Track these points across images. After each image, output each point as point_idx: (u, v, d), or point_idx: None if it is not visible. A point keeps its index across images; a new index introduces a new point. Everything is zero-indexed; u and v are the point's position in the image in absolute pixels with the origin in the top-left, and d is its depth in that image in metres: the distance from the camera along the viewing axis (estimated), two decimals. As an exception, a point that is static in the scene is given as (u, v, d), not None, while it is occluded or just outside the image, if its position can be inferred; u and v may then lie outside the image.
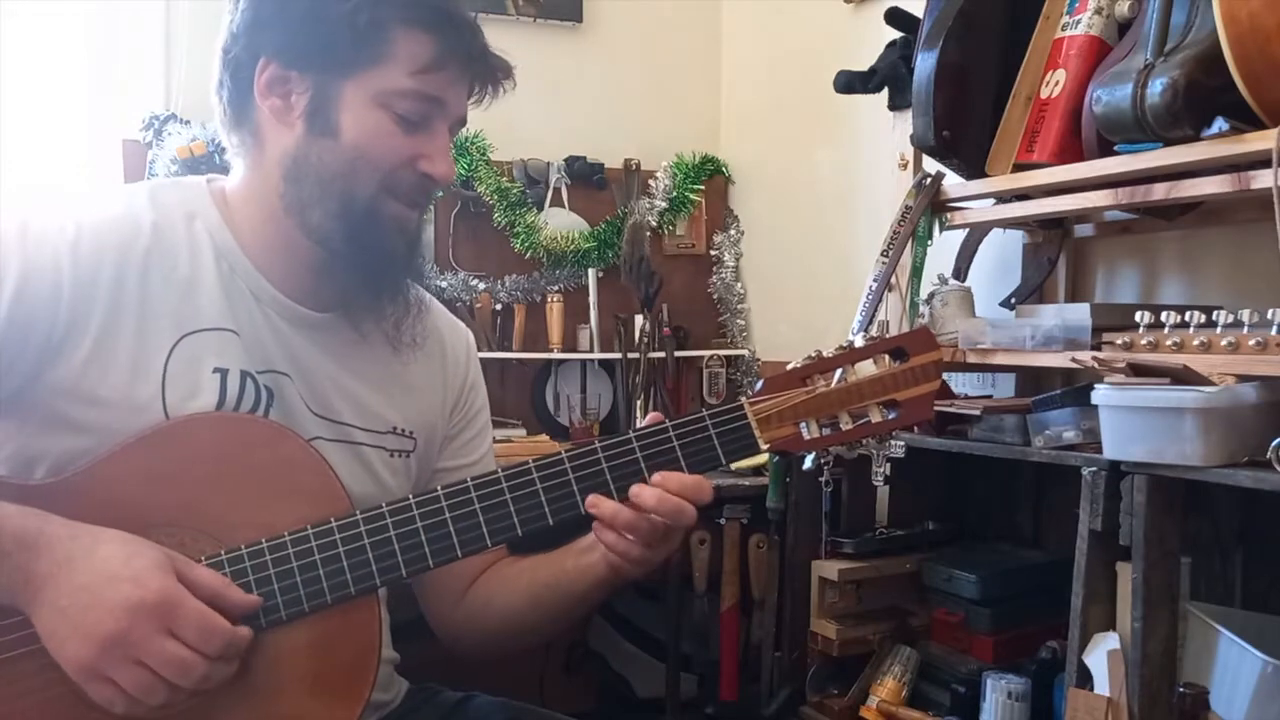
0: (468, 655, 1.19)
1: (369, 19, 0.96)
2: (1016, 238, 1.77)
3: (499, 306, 2.38)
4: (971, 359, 1.52)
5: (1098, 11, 1.39)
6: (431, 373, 1.17)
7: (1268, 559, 1.31)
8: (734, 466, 1.09)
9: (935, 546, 1.73)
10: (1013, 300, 1.73)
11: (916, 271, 1.61)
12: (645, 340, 2.39)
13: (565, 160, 2.46)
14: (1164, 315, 1.25)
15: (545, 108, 2.41)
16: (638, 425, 0.99)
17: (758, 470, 1.89)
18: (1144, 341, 1.27)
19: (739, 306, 2.58)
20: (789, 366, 1.00)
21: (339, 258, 1.01)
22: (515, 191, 2.39)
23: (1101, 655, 1.22)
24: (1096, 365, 1.27)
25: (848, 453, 1.01)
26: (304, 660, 0.92)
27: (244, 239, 1.03)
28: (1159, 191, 1.27)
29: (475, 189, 2.35)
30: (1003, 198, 1.54)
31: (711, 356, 2.51)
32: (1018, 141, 1.46)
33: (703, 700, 2.03)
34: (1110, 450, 1.22)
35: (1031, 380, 1.72)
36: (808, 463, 1.55)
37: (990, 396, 1.74)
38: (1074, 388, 1.38)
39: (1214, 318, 1.20)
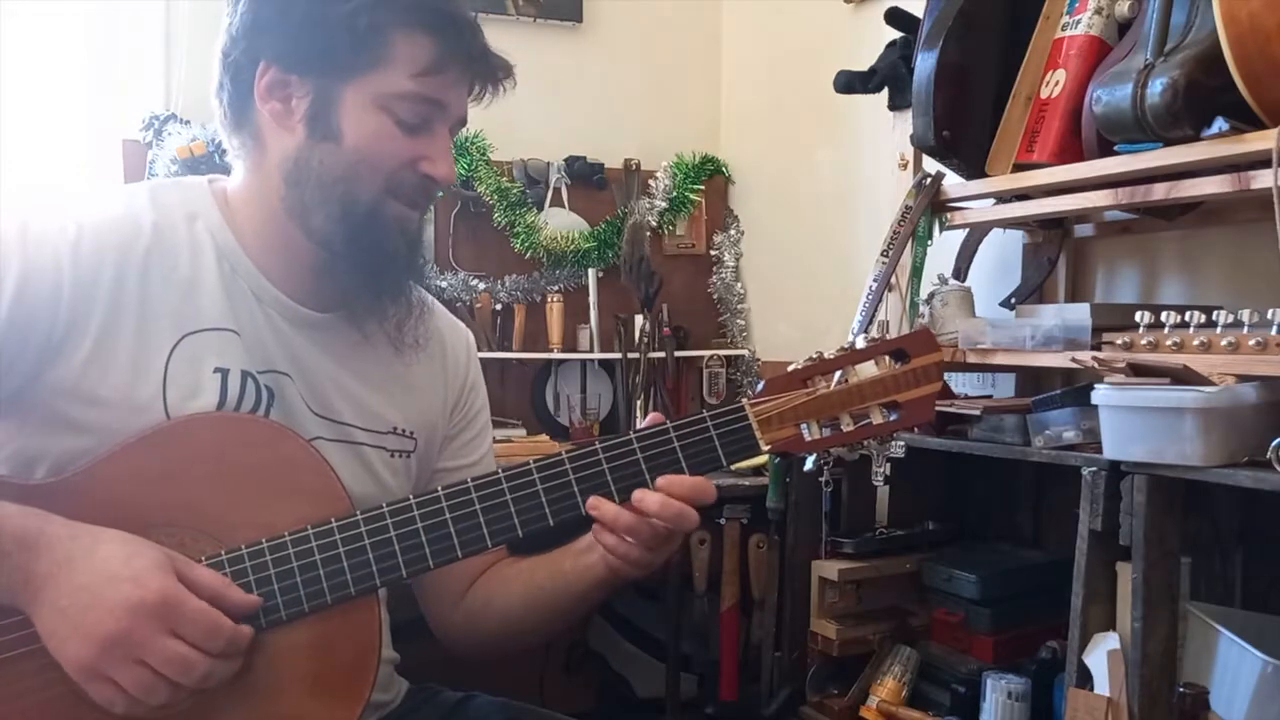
0: (467, 656, 1.19)
1: (368, 22, 0.96)
2: (1016, 238, 1.77)
3: (499, 306, 2.38)
4: (971, 359, 1.52)
5: (1098, 11, 1.39)
6: (432, 373, 1.17)
7: (1268, 559, 1.31)
8: (734, 467, 1.09)
9: (935, 546, 1.73)
10: (1013, 300, 1.73)
11: (916, 271, 1.61)
12: (645, 340, 2.39)
13: (565, 160, 2.46)
14: (1164, 315, 1.25)
15: (545, 108, 2.41)
16: (638, 426, 0.99)
17: (758, 470, 1.89)
18: (1144, 341, 1.27)
19: (739, 306, 2.58)
20: (790, 368, 1.00)
21: (340, 259, 1.01)
22: (515, 191, 2.39)
23: (1101, 655, 1.22)
24: (1096, 365, 1.27)
25: (849, 454, 1.01)
26: (304, 660, 0.92)
27: (245, 239, 1.03)
28: (1159, 191, 1.27)
29: (475, 189, 2.35)
30: (1003, 198, 1.54)
31: (711, 356, 2.51)
32: (1018, 141, 1.46)
33: (703, 700, 2.03)
34: (1110, 450, 1.22)
35: (1031, 380, 1.72)
36: (809, 464, 1.55)
37: (990, 396, 1.74)
38: (1074, 388, 1.38)
39: (1214, 318, 1.20)
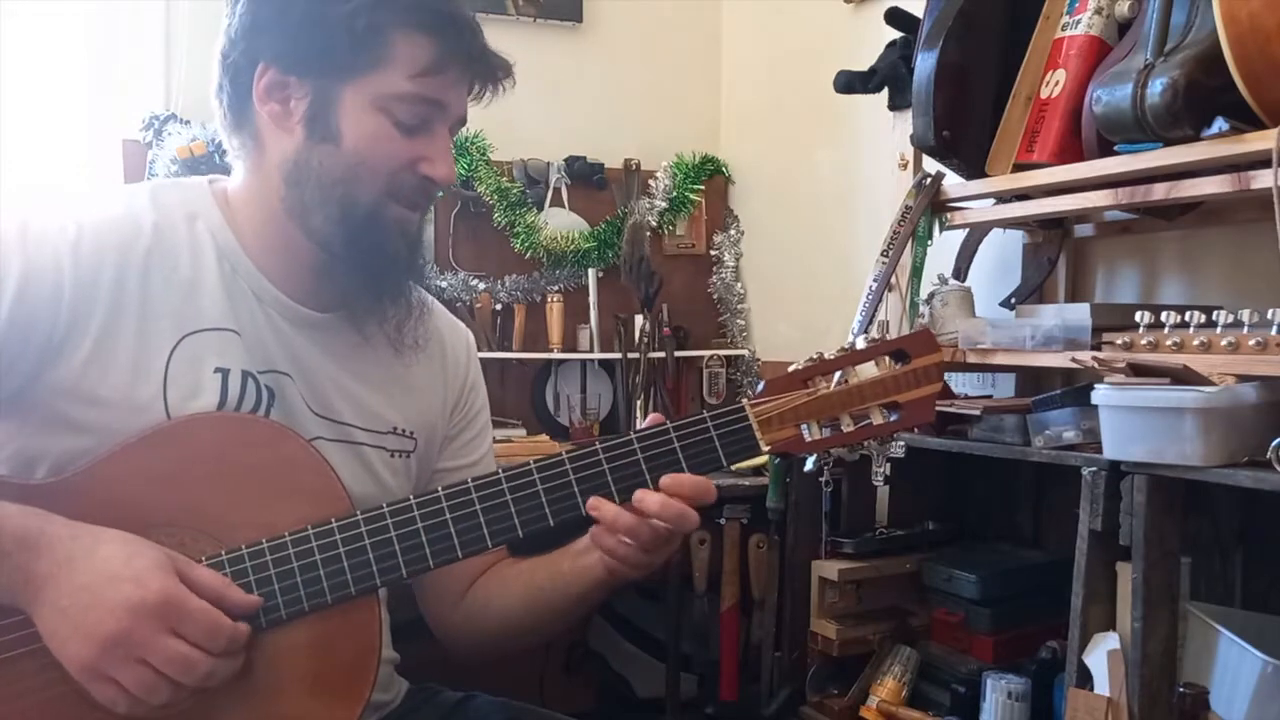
0: (467, 656, 1.19)
1: (367, 23, 0.96)
2: (1016, 238, 1.77)
3: (499, 306, 2.38)
4: (971, 359, 1.52)
5: (1098, 11, 1.39)
6: (432, 373, 1.17)
7: (1268, 559, 1.31)
8: (734, 467, 1.09)
9: (935, 546, 1.73)
10: (1013, 300, 1.73)
11: (916, 271, 1.61)
12: (645, 340, 2.39)
13: (565, 160, 2.46)
14: (1164, 315, 1.25)
15: (545, 108, 2.41)
16: (638, 426, 0.99)
17: (758, 470, 1.89)
18: (1144, 341, 1.27)
19: (739, 306, 2.58)
20: (790, 368, 1.00)
21: (340, 260, 1.01)
22: (515, 191, 2.39)
23: (1101, 655, 1.22)
24: (1096, 365, 1.27)
25: (849, 454, 1.01)
26: (304, 660, 0.92)
27: (246, 239, 1.03)
28: (1159, 191, 1.27)
29: (475, 189, 2.35)
30: (1003, 198, 1.54)
31: (711, 357, 2.51)
32: (1018, 141, 1.46)
33: (703, 700, 2.03)
34: (1110, 450, 1.22)
35: (1031, 380, 1.72)
36: (809, 464, 1.55)
37: (990, 396, 1.74)
38: (1074, 388, 1.38)
39: (1214, 318, 1.20)
